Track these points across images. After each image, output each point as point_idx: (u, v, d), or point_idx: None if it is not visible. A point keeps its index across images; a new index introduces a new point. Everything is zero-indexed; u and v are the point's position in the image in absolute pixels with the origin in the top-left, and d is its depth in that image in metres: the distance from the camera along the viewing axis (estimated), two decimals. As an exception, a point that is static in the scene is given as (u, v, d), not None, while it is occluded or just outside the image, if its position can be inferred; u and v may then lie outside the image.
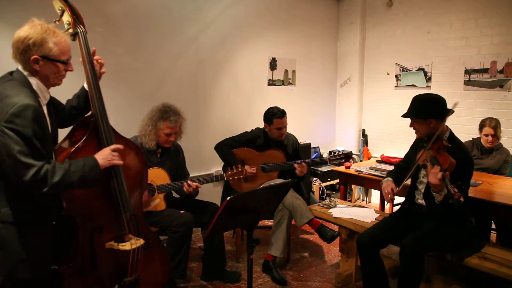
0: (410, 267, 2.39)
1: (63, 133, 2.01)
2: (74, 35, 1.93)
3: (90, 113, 2.01)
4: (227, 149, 3.51)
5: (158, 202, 2.87)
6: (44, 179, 1.59)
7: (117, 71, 3.49)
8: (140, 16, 3.66)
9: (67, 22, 1.92)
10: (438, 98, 2.58)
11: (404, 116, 2.61)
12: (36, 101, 1.65)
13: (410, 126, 2.64)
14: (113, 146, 1.89)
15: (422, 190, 2.65)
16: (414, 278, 2.40)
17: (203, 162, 4.19)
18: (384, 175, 3.34)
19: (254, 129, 3.71)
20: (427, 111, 2.54)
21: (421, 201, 2.66)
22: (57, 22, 1.94)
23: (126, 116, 3.18)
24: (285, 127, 3.55)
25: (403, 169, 2.88)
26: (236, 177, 3.02)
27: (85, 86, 2.03)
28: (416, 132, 2.64)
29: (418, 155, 2.59)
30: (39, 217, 1.73)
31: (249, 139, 3.60)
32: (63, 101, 2.06)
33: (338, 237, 3.43)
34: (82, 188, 1.81)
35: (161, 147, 3.01)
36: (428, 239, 2.43)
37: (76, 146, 1.86)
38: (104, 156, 1.83)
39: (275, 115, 3.49)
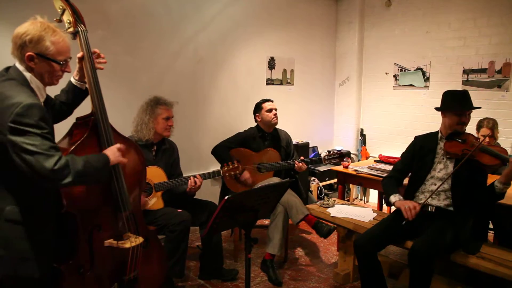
0: (421, 272, 2.35)
1: (60, 131, 2.00)
2: (75, 34, 1.94)
3: (90, 112, 2.01)
4: (224, 150, 3.51)
5: (156, 200, 2.86)
6: (67, 167, 1.59)
7: (115, 70, 3.48)
8: (138, 15, 3.65)
9: (68, 21, 1.92)
10: None
11: (465, 108, 2.62)
12: (37, 98, 1.65)
13: (462, 121, 2.62)
14: (119, 145, 1.92)
15: (431, 188, 2.66)
16: (424, 282, 2.37)
17: (202, 161, 4.18)
18: (383, 175, 3.36)
19: (247, 129, 3.73)
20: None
21: (426, 200, 2.67)
22: (60, 22, 1.94)
23: (124, 115, 3.17)
24: (276, 110, 3.61)
25: (401, 172, 2.90)
26: (232, 173, 3.02)
27: (72, 80, 2.03)
28: (463, 127, 2.65)
29: (446, 147, 2.62)
30: (42, 216, 1.73)
31: (243, 139, 3.61)
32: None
33: (336, 237, 3.43)
34: (95, 184, 1.84)
35: (156, 144, 3.01)
36: (437, 241, 2.41)
37: (76, 145, 1.86)
38: (113, 153, 1.87)
39: (261, 101, 3.64)
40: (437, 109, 2.74)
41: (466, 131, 2.69)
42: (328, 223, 3.20)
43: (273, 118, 3.58)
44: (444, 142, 2.68)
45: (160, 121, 2.94)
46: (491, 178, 2.56)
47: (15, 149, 1.55)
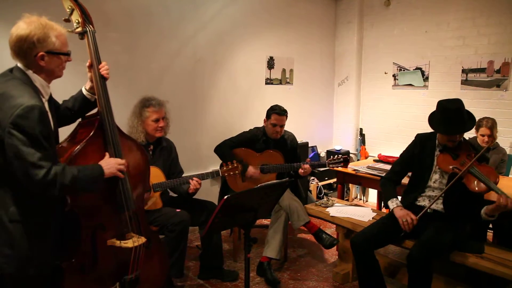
0: (420, 276, 2.34)
1: (65, 130, 2.00)
2: (83, 34, 1.96)
3: (96, 111, 2.01)
4: (227, 149, 3.49)
5: (155, 200, 2.86)
6: (54, 181, 1.60)
7: (114, 70, 3.42)
8: (137, 15, 3.65)
9: (76, 21, 1.94)
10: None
11: (452, 133, 2.51)
12: (39, 99, 1.65)
13: (451, 139, 2.53)
14: (121, 161, 1.92)
15: (429, 194, 2.67)
16: (423, 286, 2.36)
17: (201, 161, 4.18)
18: (382, 175, 3.36)
19: (252, 128, 3.71)
20: (473, 118, 2.57)
21: (423, 203, 2.67)
22: (69, 22, 1.95)
23: (122, 114, 3.17)
24: (281, 126, 3.52)
25: (399, 174, 2.89)
26: (231, 173, 3.01)
27: (83, 90, 2.04)
28: (453, 143, 2.55)
29: (439, 161, 2.57)
30: (45, 215, 1.74)
31: (247, 139, 3.59)
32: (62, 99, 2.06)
33: (335, 237, 3.43)
34: (85, 193, 1.84)
35: (152, 143, 3.00)
36: (434, 245, 2.40)
37: (81, 145, 1.86)
38: (110, 165, 1.86)
39: (274, 111, 3.50)
40: (429, 122, 2.67)
41: (463, 141, 2.64)
42: (329, 224, 3.19)
43: (274, 133, 3.53)
44: (438, 155, 2.64)
45: (150, 123, 2.89)
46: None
47: (10, 152, 1.56)
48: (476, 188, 2.39)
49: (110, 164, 1.87)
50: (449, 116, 2.51)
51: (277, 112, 3.49)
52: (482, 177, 2.39)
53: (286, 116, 3.54)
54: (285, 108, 3.58)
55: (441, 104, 2.58)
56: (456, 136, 2.54)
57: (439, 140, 2.67)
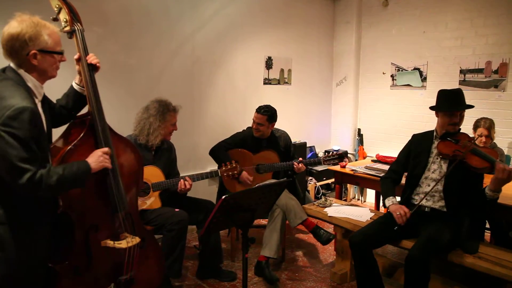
0: (417, 276, 2.34)
1: (56, 131, 2.00)
2: (71, 33, 1.93)
3: (86, 111, 2.00)
4: (222, 152, 3.49)
5: (154, 200, 2.86)
6: (39, 183, 1.59)
7: (111, 70, 3.47)
8: (135, 14, 3.64)
9: (64, 20, 1.91)
10: None
11: (453, 109, 2.61)
12: (31, 101, 1.63)
13: (452, 121, 2.62)
14: (105, 149, 1.89)
15: (425, 190, 2.67)
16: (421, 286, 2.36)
17: (198, 161, 4.17)
18: (380, 175, 3.36)
19: (245, 128, 3.71)
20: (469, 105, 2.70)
21: (420, 202, 2.67)
22: (57, 21, 1.92)
23: (120, 115, 3.17)
24: (259, 124, 3.50)
25: (397, 172, 2.90)
26: (230, 173, 3.02)
27: (74, 85, 2.02)
28: (455, 127, 2.64)
29: (440, 147, 2.62)
30: (35, 217, 1.72)
31: (241, 139, 3.59)
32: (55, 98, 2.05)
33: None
34: (75, 188, 1.81)
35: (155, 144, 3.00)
36: (433, 245, 2.40)
37: (72, 145, 1.85)
38: (96, 159, 1.83)
39: (257, 108, 3.53)
40: (430, 108, 2.76)
41: (461, 131, 2.69)
42: (327, 224, 3.19)
43: (254, 130, 3.55)
44: (438, 142, 2.68)
45: (169, 127, 2.98)
46: (488, 178, 2.57)
47: None
48: (479, 164, 2.46)
49: (95, 157, 1.84)
50: (450, 96, 2.65)
51: (256, 110, 3.53)
52: (484, 154, 2.47)
53: (268, 117, 3.48)
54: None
55: (442, 90, 2.73)
56: (457, 116, 2.62)
57: (440, 129, 2.71)
